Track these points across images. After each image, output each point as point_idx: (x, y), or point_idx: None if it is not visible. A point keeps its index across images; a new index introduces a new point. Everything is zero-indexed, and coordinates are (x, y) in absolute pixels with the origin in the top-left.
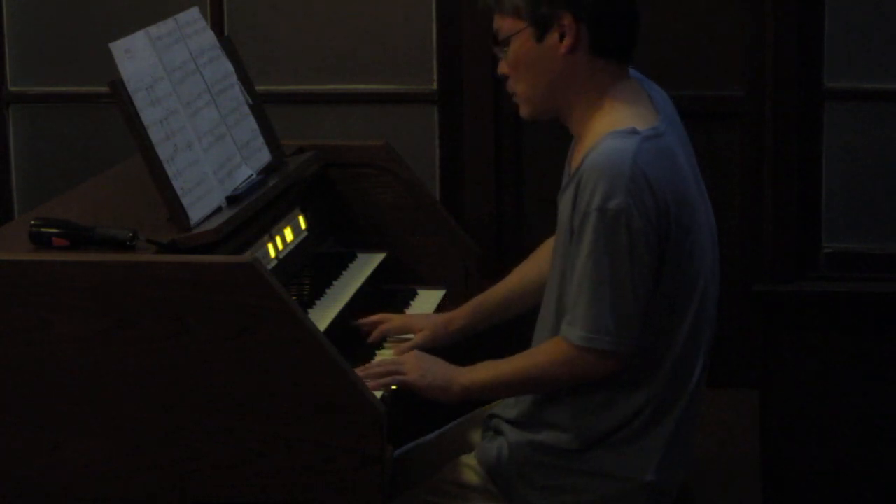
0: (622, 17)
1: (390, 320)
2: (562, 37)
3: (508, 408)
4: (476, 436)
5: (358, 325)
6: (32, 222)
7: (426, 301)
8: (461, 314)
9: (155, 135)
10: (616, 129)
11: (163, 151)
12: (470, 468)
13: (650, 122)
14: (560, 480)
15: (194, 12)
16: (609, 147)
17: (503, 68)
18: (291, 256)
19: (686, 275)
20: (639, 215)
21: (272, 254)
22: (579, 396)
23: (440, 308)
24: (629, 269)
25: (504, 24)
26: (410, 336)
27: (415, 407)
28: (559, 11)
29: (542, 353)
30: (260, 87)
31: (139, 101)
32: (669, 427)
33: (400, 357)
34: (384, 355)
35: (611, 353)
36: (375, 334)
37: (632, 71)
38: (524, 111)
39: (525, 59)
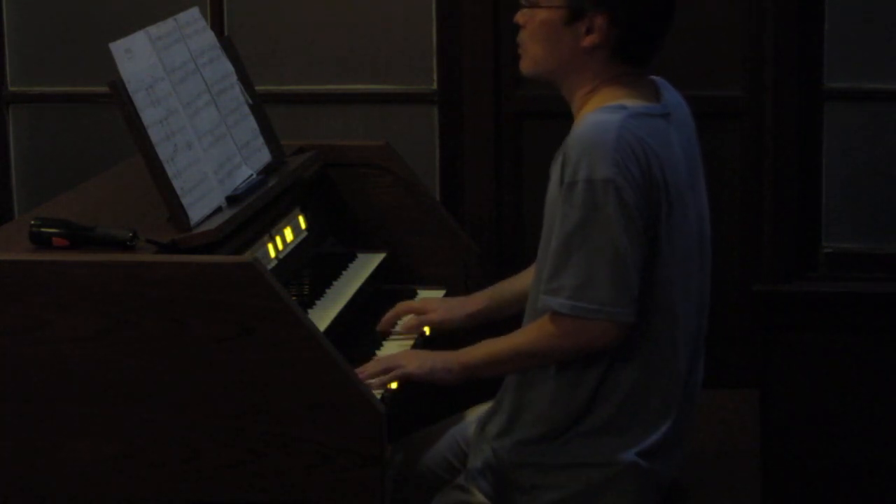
0: (654, 31)
1: (408, 302)
2: (588, 30)
3: (492, 407)
4: (472, 429)
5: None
6: (32, 222)
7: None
8: (477, 299)
9: (155, 135)
10: (604, 105)
11: (163, 151)
12: (464, 490)
13: (644, 103)
14: (546, 478)
15: (194, 12)
16: (594, 120)
17: (520, 18)
18: (291, 256)
19: (663, 257)
20: (627, 185)
21: (272, 254)
22: (551, 383)
23: None
24: (620, 238)
25: None
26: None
27: (414, 407)
28: (598, 10)
29: (536, 327)
30: (260, 87)
31: (139, 101)
32: (648, 411)
33: (393, 354)
34: (384, 355)
35: (602, 321)
36: (390, 313)
37: (659, 80)
38: (526, 68)
39: (545, 32)
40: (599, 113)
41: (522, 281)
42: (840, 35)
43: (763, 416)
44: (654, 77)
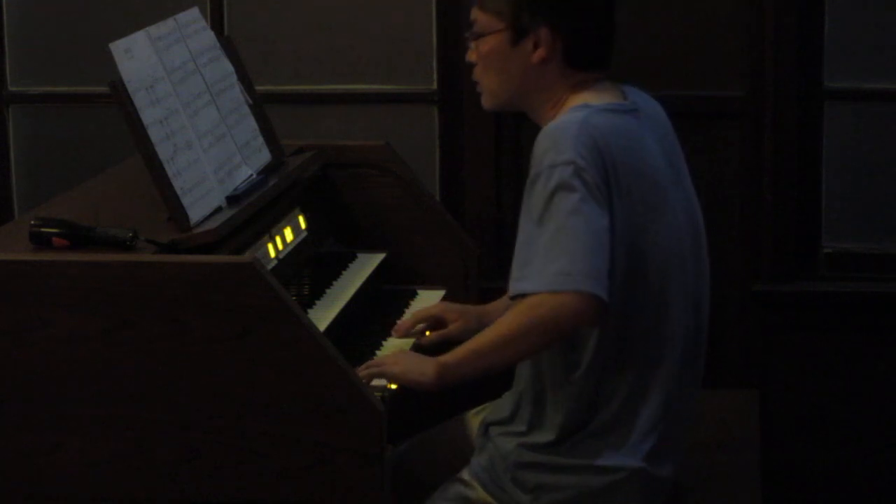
0: (599, 33)
1: (427, 308)
2: (535, 45)
3: (498, 410)
4: (474, 431)
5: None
6: (32, 222)
7: (426, 301)
8: (496, 309)
9: (155, 135)
10: (570, 107)
11: (163, 151)
12: (466, 484)
13: (609, 101)
14: (550, 479)
15: (194, 12)
16: (559, 119)
17: (472, 56)
18: (291, 256)
19: (641, 253)
20: (589, 167)
21: (272, 254)
22: (551, 386)
23: None
24: (583, 216)
25: (481, 19)
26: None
27: (415, 407)
28: (538, 23)
29: (509, 313)
30: (260, 87)
31: (139, 101)
32: (651, 414)
33: (384, 355)
34: (384, 355)
35: (572, 292)
36: (408, 321)
37: (627, 87)
38: (486, 102)
39: (495, 59)
40: (565, 114)
41: None
42: (840, 35)
43: (763, 416)
44: (622, 84)
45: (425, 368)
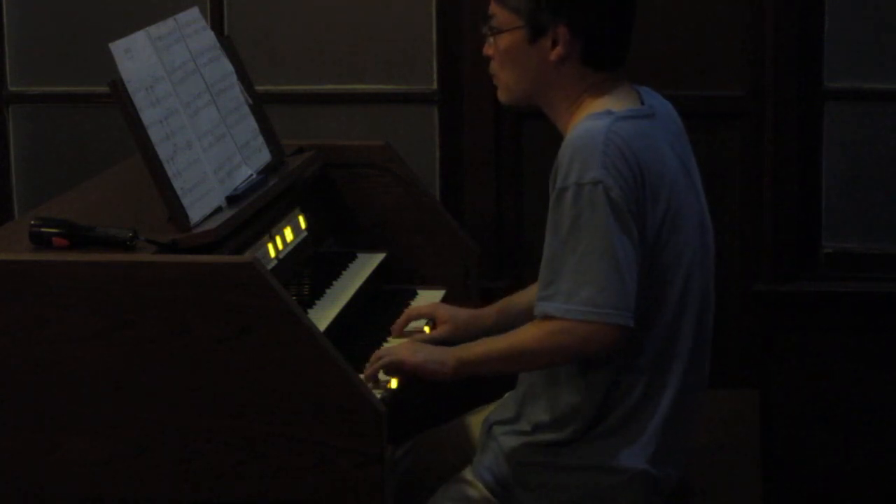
0: (618, 33)
1: (419, 307)
2: (554, 43)
3: (502, 410)
4: (475, 432)
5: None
6: (32, 222)
7: (425, 301)
8: (487, 315)
9: (155, 135)
10: (592, 113)
11: (163, 151)
12: (468, 484)
13: (628, 106)
14: (554, 478)
15: (194, 12)
16: (582, 127)
17: (489, 50)
18: (291, 256)
19: (664, 257)
20: (616, 186)
21: (272, 254)
22: (564, 386)
23: None
24: (611, 239)
25: (500, 14)
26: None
27: (417, 407)
28: (557, 22)
29: (533, 327)
30: (260, 87)
31: (139, 101)
32: (659, 415)
33: (389, 346)
34: (394, 345)
35: (596, 324)
36: (402, 318)
37: (641, 88)
38: (502, 97)
39: (513, 55)
40: (587, 120)
41: (530, 295)
42: (840, 35)
43: (763, 416)
44: (636, 85)
45: (444, 359)
